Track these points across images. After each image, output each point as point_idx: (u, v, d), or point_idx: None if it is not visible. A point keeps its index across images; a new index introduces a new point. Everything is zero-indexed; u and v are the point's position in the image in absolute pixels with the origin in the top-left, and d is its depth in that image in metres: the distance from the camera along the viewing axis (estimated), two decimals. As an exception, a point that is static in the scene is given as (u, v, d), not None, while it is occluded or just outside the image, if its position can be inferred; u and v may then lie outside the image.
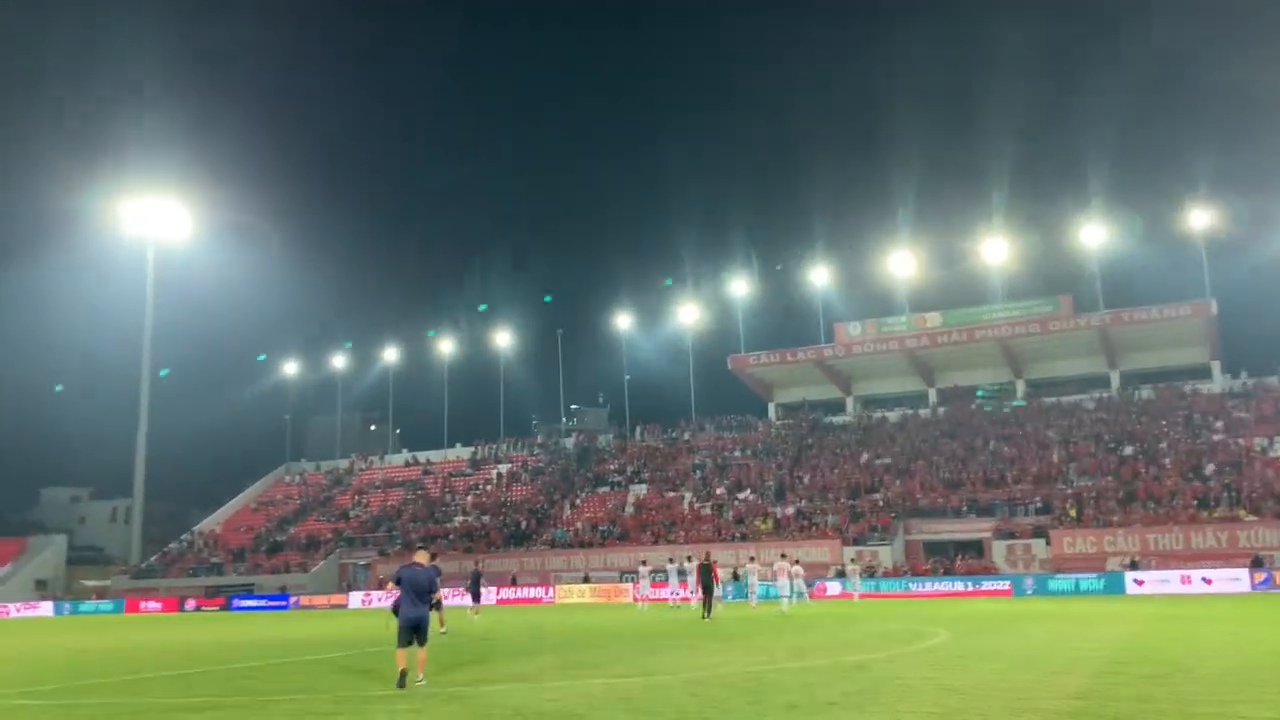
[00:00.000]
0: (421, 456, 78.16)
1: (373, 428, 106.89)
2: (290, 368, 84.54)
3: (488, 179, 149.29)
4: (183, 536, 75.26)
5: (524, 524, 62.58)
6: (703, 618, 29.32)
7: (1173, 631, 19.68)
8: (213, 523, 75.68)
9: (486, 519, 64.80)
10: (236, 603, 60.18)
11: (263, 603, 59.79)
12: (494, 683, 14.22)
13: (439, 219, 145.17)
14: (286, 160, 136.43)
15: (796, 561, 39.71)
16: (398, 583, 13.95)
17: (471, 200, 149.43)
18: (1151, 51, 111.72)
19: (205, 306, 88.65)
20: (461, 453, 76.97)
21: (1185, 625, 21.33)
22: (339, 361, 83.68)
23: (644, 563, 42.37)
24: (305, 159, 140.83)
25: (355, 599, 58.15)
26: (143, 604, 61.60)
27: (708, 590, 30.30)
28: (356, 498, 73.77)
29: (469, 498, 69.20)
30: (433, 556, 17.49)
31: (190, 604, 60.47)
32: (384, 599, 57.29)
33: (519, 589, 55.16)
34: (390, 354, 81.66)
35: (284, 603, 59.19)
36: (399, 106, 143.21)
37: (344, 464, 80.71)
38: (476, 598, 33.55)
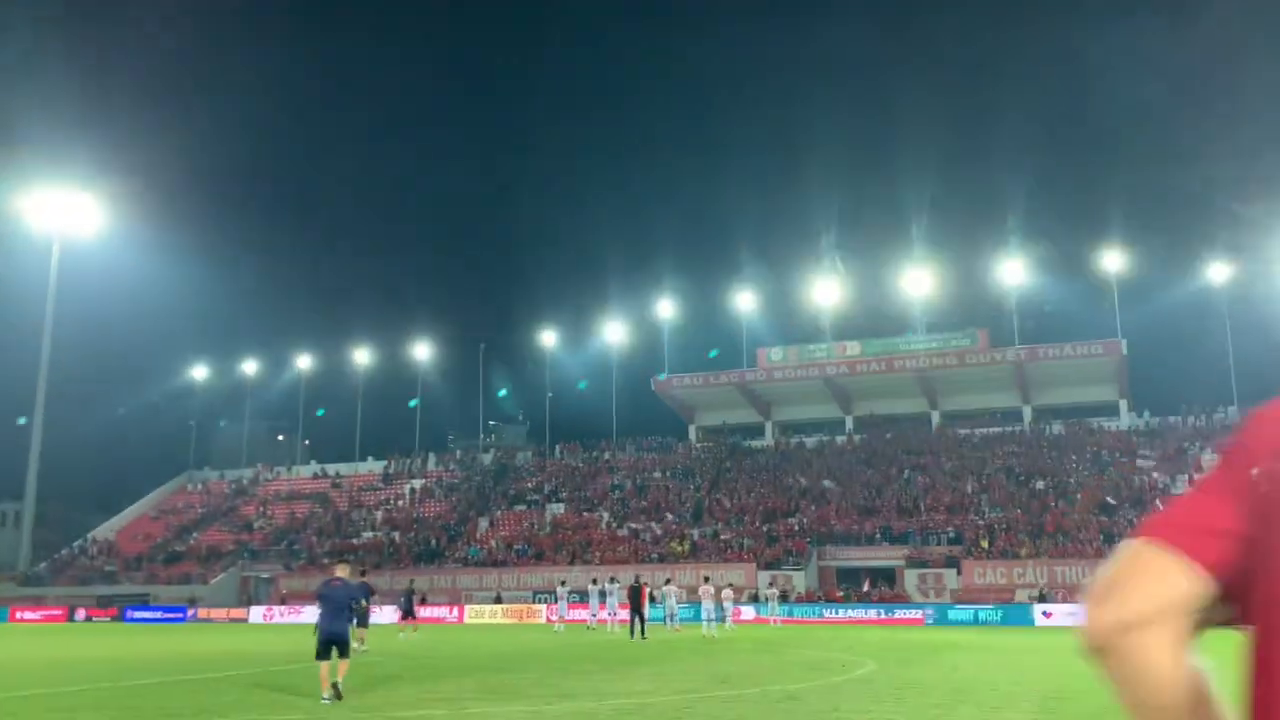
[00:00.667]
0: (331, 469, 76.14)
1: (280, 437, 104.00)
2: (199, 372, 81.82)
3: (415, 188, 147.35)
4: (75, 543, 71.96)
5: (436, 541, 61.25)
6: (630, 638, 29.53)
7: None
8: (109, 529, 72.60)
9: (397, 535, 63.29)
10: (130, 614, 57.63)
11: (158, 614, 57.36)
12: (413, 707, 13.48)
13: (362, 226, 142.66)
14: (207, 159, 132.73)
15: (730, 585, 39.35)
16: (320, 598, 14.35)
17: (397, 209, 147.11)
18: (1071, 95, 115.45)
19: (112, 305, 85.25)
20: (374, 466, 75.21)
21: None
22: (249, 367, 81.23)
23: (563, 583, 41.64)
24: (227, 158, 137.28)
25: (257, 613, 56.13)
26: (28, 612, 58.61)
27: (637, 612, 30.49)
28: (261, 509, 71.51)
29: (379, 513, 67.55)
30: (362, 573, 17.31)
31: (81, 614, 57.71)
32: (286, 614, 55.54)
33: (429, 608, 53.79)
34: (304, 362, 79.51)
35: (181, 615, 56.88)
36: (322, 108, 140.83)
37: (250, 473, 78.22)
38: (410, 614, 32.97)
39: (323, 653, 13.72)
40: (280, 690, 15.16)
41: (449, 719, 12.20)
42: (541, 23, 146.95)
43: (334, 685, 13.46)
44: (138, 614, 57.54)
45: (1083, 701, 13.39)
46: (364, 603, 22.93)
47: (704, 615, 34.46)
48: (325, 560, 61.73)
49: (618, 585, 39.29)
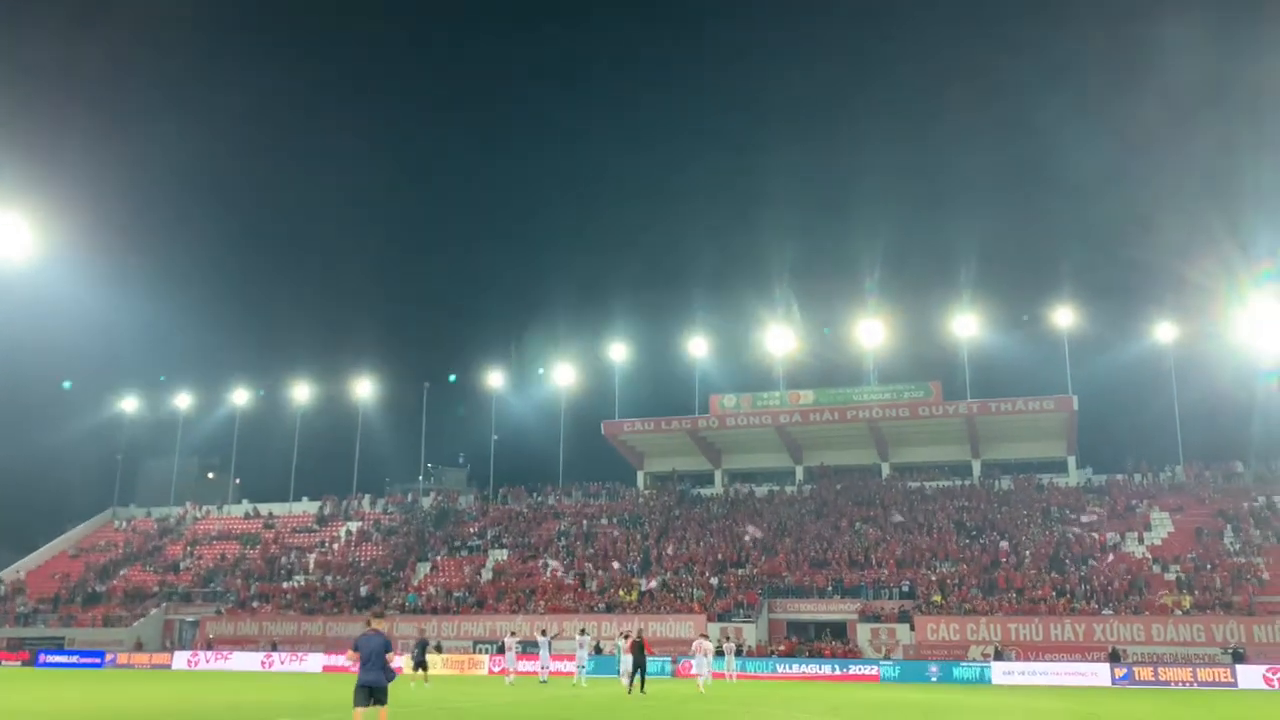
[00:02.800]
0: (264, 509, 73.34)
1: (211, 475, 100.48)
2: (127, 404, 78.63)
3: (361, 221, 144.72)
4: (-15, 582, 68.13)
5: (372, 587, 58.97)
6: (629, 692, 30.03)
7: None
8: (23, 567, 68.93)
9: (330, 579, 60.86)
10: (43, 658, 54.45)
11: (74, 659, 54.26)
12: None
13: (304, 257, 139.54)
14: (143, 183, 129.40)
15: (705, 637, 38.14)
16: (356, 649, 15.14)
17: (342, 241, 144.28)
18: (1025, 154, 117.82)
19: (36, 331, 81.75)
20: (308, 507, 72.62)
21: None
22: (181, 401, 78.26)
23: (513, 633, 39.94)
24: (164, 183, 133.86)
25: (181, 659, 53.37)
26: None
27: (639, 666, 30.74)
28: (189, 549, 68.47)
29: (313, 555, 65.02)
30: (367, 623, 17.84)
31: (-12, 658, 54.41)
32: (213, 660, 52.90)
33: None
34: (239, 396, 76.80)
35: (99, 660, 53.86)
36: (265, 136, 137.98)
37: (178, 512, 75.08)
38: (422, 664, 32.73)
39: (359, 699, 14.71)
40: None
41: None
42: (494, 60, 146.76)
43: None
44: (52, 658, 54.39)
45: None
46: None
47: (698, 670, 33.94)
48: (255, 604, 59.26)
49: (588, 637, 38.43)
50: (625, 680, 33.64)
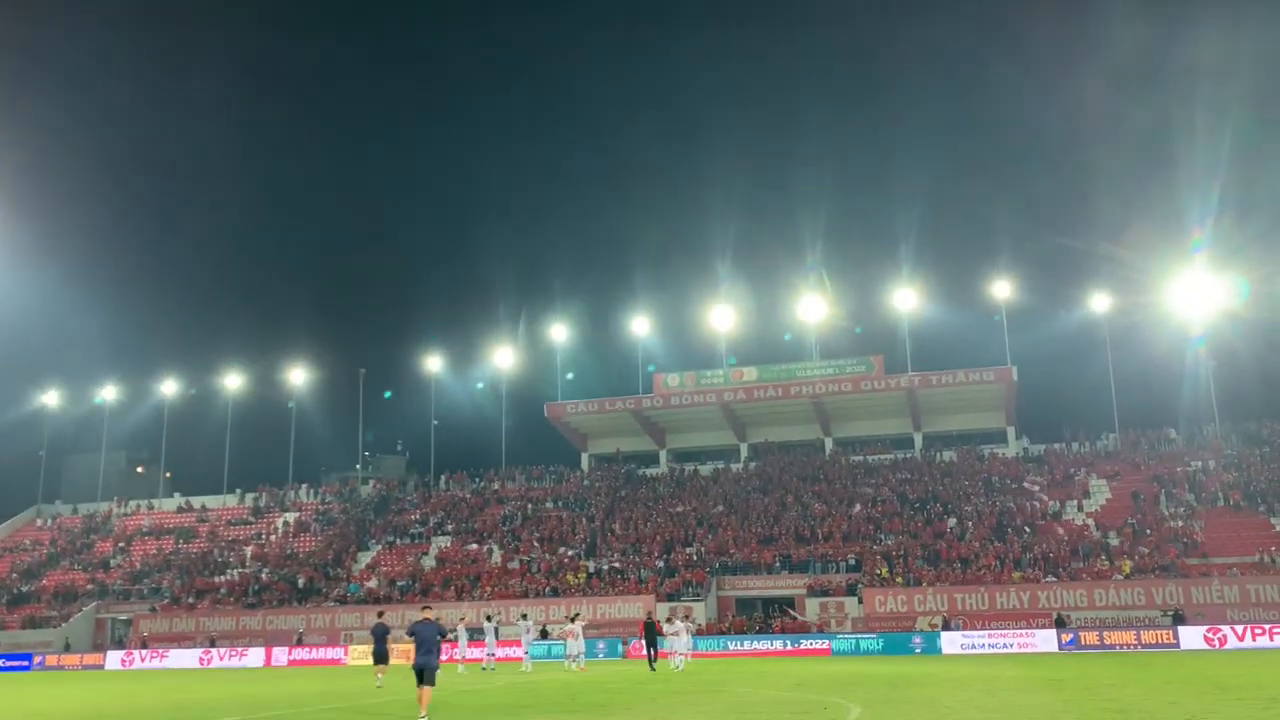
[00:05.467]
0: (196, 502, 71.34)
1: (140, 469, 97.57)
2: (49, 398, 75.82)
3: (291, 202, 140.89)
4: (-97, 586, 65.29)
5: (311, 578, 57.64)
6: (650, 670, 32.03)
7: (1091, 697, 18.73)
8: (-58, 571, 66.20)
9: (268, 572, 59.36)
10: (-34, 663, 52.28)
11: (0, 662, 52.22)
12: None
13: (232, 241, 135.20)
14: (63, 165, 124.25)
15: (686, 617, 37.66)
16: (412, 634, 17.89)
17: (271, 222, 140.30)
18: (962, 127, 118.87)
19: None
20: (243, 499, 70.79)
21: (1096, 691, 20.54)
22: (107, 393, 75.67)
23: (463, 619, 39.04)
24: (83, 164, 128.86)
25: (114, 659, 51.60)
26: None
27: (651, 645, 33.68)
28: (119, 546, 66.34)
29: (249, 548, 63.39)
30: (380, 614, 24.17)
31: (-93, 665, 52.07)
32: (148, 659, 51.25)
33: (310, 650, 50.38)
34: (167, 388, 74.44)
35: (25, 663, 51.87)
36: (189, 112, 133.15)
37: (106, 508, 72.67)
38: (382, 658, 28.86)
39: (419, 679, 17.15)
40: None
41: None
42: (429, 42, 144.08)
43: (421, 703, 17.11)
44: (-25, 663, 52.25)
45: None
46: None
47: (675, 648, 33.89)
48: (191, 600, 57.51)
49: (530, 622, 37.91)
50: (570, 664, 34.30)
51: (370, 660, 29.96)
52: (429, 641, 17.37)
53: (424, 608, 18.76)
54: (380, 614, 32.79)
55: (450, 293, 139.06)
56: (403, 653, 35.70)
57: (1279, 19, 68.78)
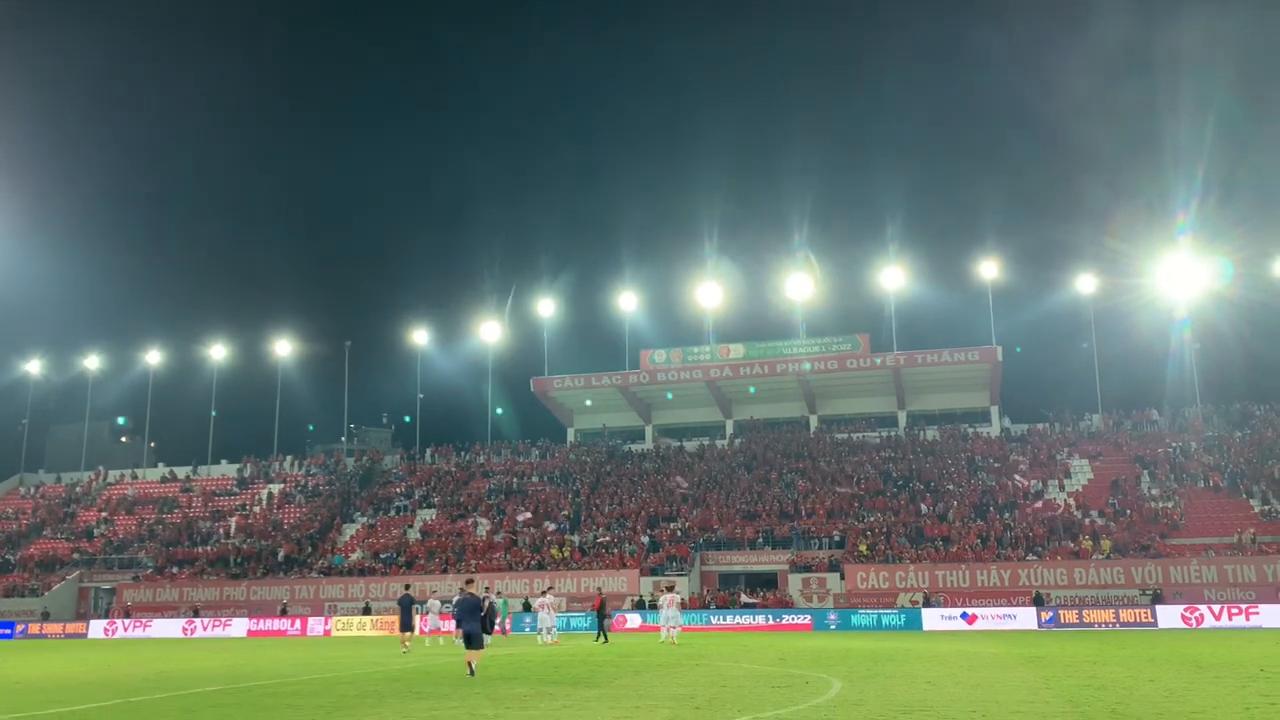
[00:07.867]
0: (181, 472, 71.18)
1: (124, 439, 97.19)
2: (32, 366, 75.38)
3: (278, 172, 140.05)
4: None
5: (296, 549, 57.66)
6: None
7: (1077, 676, 18.91)
8: (-77, 539, 65.92)
9: (252, 542, 59.34)
10: (-52, 632, 52.24)
11: (-18, 631, 52.17)
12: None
13: (218, 211, 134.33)
14: (46, 136, 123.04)
15: (671, 587, 37.70)
16: (455, 605, 20.07)
17: (258, 193, 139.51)
18: (951, 109, 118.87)
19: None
20: (227, 469, 70.66)
21: (1076, 669, 20.72)
22: (90, 362, 75.27)
23: (434, 592, 39.21)
24: (68, 136, 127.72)
25: (97, 628, 51.64)
26: None
27: (601, 620, 35.27)
28: (102, 515, 66.18)
29: (234, 519, 63.35)
30: (406, 586, 27.97)
31: (-111, 632, 52.01)
32: (131, 628, 51.27)
33: (291, 620, 50.45)
34: (152, 357, 74.07)
35: (8, 632, 51.86)
36: (171, 87, 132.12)
37: (89, 477, 72.44)
38: (408, 626, 30.28)
39: (466, 645, 19.21)
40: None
41: None
42: (415, 17, 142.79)
43: (469, 664, 19.31)
44: (-42, 631, 52.21)
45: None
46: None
47: (664, 622, 34.10)
48: (174, 569, 57.44)
49: (493, 594, 37.94)
50: (545, 637, 34.17)
51: (397, 629, 33.43)
52: (468, 612, 19.19)
53: (467, 580, 20.66)
54: (406, 586, 35.03)
55: (437, 267, 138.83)
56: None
57: (1262, 4, 68.81)
